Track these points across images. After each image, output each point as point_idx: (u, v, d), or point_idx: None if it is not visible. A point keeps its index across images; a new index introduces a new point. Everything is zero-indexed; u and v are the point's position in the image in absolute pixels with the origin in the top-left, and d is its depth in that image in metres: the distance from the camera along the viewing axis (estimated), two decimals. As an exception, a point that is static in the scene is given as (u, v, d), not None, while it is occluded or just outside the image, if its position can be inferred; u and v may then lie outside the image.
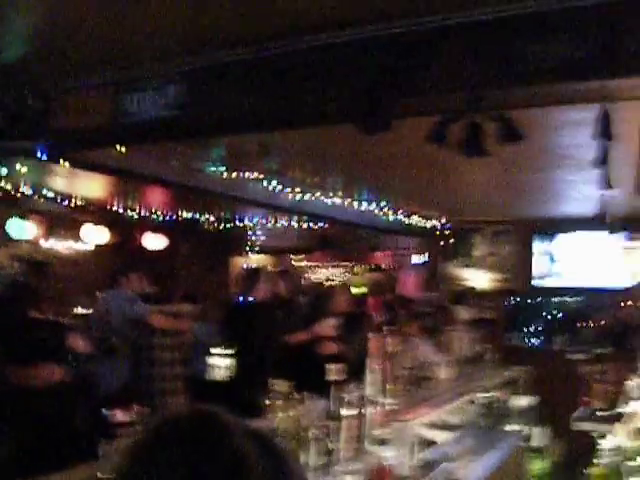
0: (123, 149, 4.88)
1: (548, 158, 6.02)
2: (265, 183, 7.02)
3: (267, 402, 3.13)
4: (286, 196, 7.64)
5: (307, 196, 7.80)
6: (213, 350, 6.65)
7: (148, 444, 0.83)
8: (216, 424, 0.83)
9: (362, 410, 3.27)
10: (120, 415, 3.56)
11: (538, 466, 5.58)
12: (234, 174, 6.43)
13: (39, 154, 4.63)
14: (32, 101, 4.35)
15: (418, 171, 6.59)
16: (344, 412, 3.12)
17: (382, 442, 3.36)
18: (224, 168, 6.22)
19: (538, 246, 10.33)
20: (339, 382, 3.46)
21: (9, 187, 7.91)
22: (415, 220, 10.23)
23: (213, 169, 6.13)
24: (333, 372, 3.21)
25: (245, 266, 10.49)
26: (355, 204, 8.49)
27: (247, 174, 6.57)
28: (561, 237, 10.16)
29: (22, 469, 2.70)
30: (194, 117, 3.87)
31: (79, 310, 8.78)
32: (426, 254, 11.58)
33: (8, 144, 4.64)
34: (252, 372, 5.31)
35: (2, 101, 4.43)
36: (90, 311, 8.02)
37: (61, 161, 5.26)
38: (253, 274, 5.92)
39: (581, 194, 7.44)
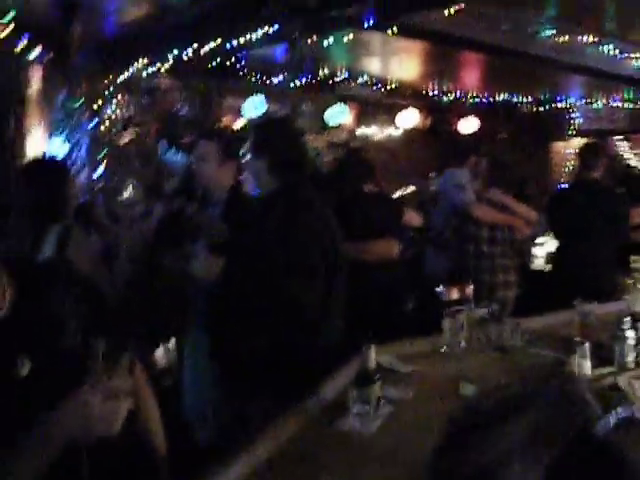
0: (452, 10, 4.49)
1: None
2: (601, 48, 6.21)
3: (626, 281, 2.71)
4: (623, 62, 6.72)
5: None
6: (537, 239, 6.28)
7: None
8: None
9: None
10: (454, 293, 3.40)
11: None
12: (567, 38, 5.75)
13: (365, 20, 4.42)
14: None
15: None
16: None
17: None
18: (556, 31, 5.56)
19: None
20: None
21: (325, 72, 8.02)
22: None
23: (545, 33, 5.50)
24: None
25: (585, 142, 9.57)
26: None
27: (581, 37, 5.83)
28: None
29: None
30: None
31: (399, 192, 8.83)
32: None
33: (331, 14, 4.48)
34: (582, 261, 4.82)
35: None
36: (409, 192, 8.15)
37: (389, 30, 4.97)
38: (594, 150, 5.17)
39: None
